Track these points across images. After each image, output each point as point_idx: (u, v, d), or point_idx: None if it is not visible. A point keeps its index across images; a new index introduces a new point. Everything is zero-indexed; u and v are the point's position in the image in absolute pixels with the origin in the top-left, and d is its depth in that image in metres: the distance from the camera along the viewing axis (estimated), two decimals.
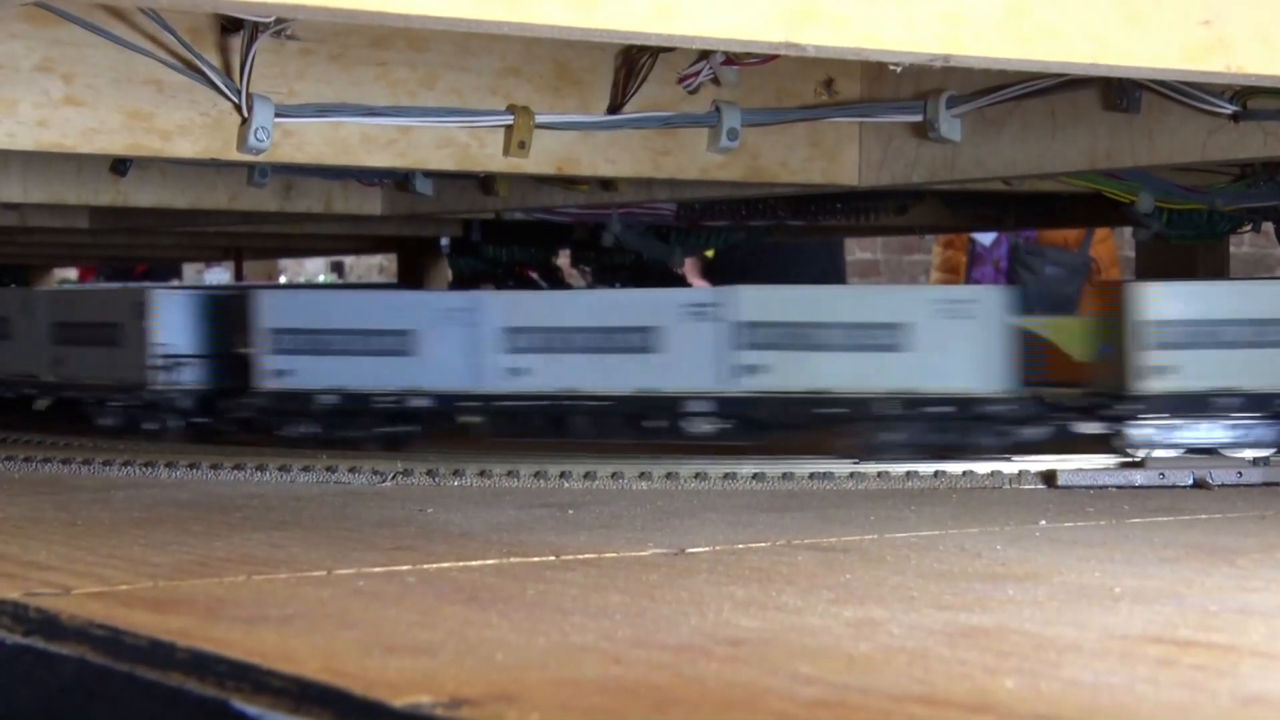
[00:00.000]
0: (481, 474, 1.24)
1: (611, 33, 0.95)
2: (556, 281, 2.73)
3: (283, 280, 6.42)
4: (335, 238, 3.57)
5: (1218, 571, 0.87)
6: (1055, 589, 0.81)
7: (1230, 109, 1.40)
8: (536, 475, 1.23)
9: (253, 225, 2.71)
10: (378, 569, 0.85)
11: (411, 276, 3.33)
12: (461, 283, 3.00)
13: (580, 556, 0.90)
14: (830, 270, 4.91)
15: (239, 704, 0.60)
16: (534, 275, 2.75)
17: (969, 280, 6.19)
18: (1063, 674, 0.62)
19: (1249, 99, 1.40)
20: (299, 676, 0.60)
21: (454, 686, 0.59)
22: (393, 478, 1.24)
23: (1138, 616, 0.74)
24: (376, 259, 6.16)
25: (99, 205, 2.13)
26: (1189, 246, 1.98)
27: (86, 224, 2.49)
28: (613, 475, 1.22)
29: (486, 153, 1.58)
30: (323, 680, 0.59)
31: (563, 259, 2.85)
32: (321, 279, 6.25)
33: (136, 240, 3.30)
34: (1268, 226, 2.03)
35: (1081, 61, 0.92)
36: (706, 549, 0.92)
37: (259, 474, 1.28)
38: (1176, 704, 0.57)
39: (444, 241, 3.02)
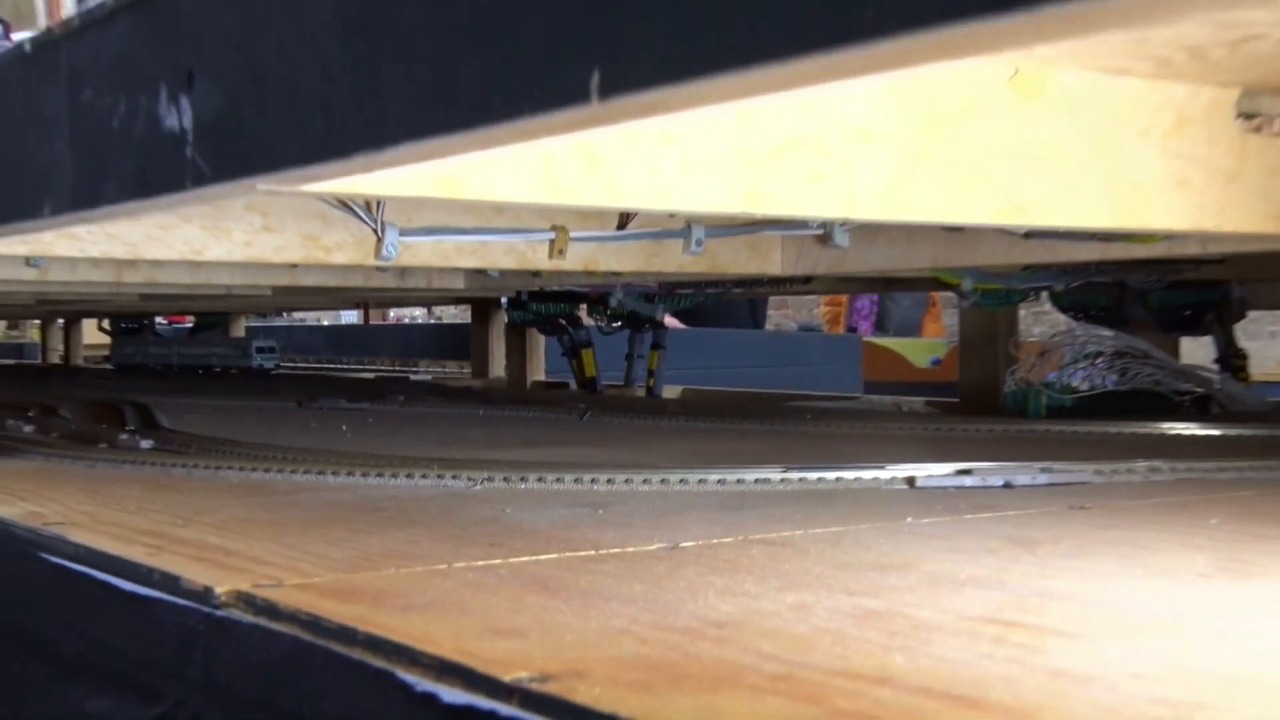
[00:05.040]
0: (539, 480, 1.14)
1: (631, 208, 0.95)
2: (578, 326, 2.72)
3: (391, 316, 6.33)
4: (431, 297, 3.57)
5: (1026, 560, 0.80)
6: (922, 577, 0.74)
7: (1024, 232, 1.40)
8: (576, 481, 1.14)
9: (376, 292, 2.72)
10: (480, 562, 0.79)
11: (481, 320, 3.31)
12: (513, 328, 3.00)
13: (610, 551, 0.83)
14: (756, 311, 4.90)
15: (401, 674, 0.59)
16: (563, 322, 2.73)
17: (851, 309, 6.14)
18: (933, 651, 0.57)
19: None
20: (439, 655, 0.58)
21: (541, 663, 0.56)
22: (482, 482, 1.15)
23: (977, 600, 0.68)
24: (457, 309, 6.14)
25: (278, 285, 2.13)
26: (993, 311, 1.98)
27: (270, 294, 2.48)
28: (625, 481, 1.13)
29: (537, 257, 1.59)
30: (455, 659, 0.57)
31: (581, 311, 2.82)
32: (418, 316, 6.20)
33: (300, 299, 3.30)
34: (1044, 295, 2.03)
35: (931, 220, 0.92)
36: (692, 544, 0.84)
37: (393, 479, 1.17)
38: (1007, 676, 0.54)
39: (503, 300, 3.02)
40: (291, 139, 0.64)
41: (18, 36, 1.84)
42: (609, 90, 0.46)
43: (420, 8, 0.55)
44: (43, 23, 1.63)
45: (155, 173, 0.74)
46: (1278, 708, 0.52)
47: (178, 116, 0.72)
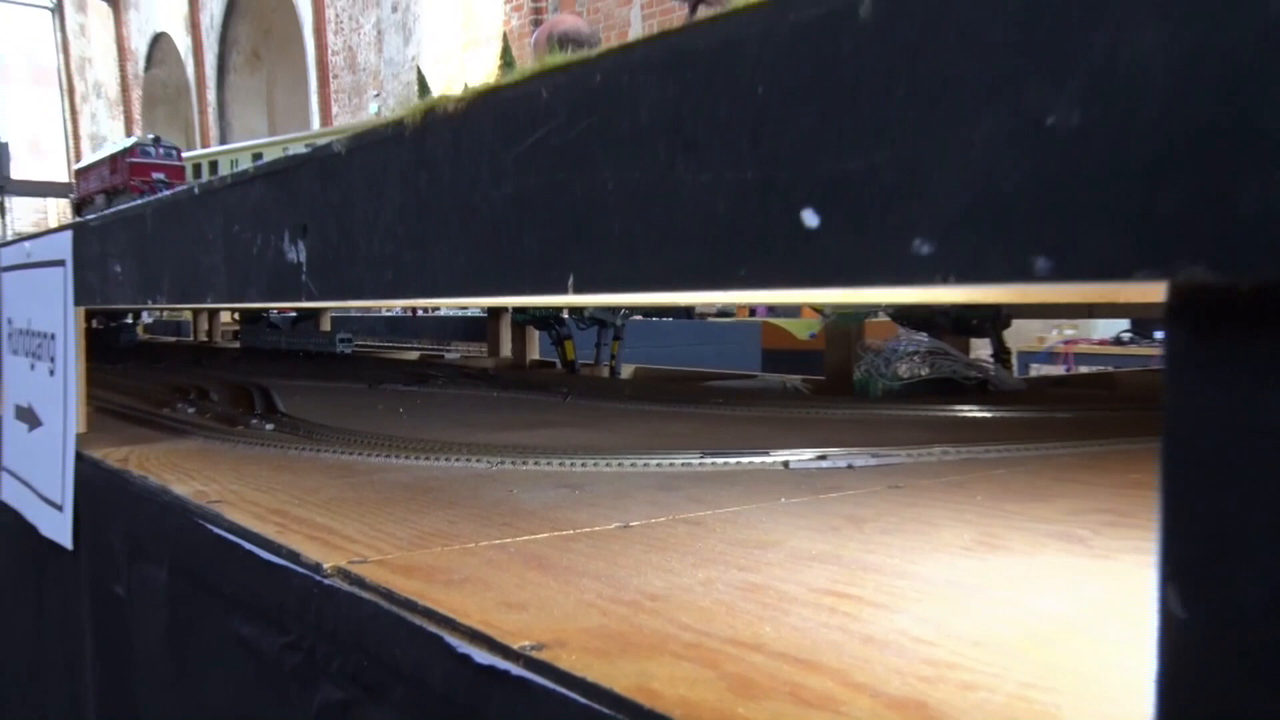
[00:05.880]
0: (536, 463, 1.09)
1: (597, 303, 0.97)
2: (562, 324, 2.73)
3: (441, 308, 6.19)
4: (459, 303, 3.53)
5: (857, 537, 0.76)
6: (786, 554, 0.71)
7: None
8: (560, 464, 1.08)
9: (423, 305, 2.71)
10: (496, 541, 0.75)
11: (494, 317, 3.29)
12: (516, 323, 3.01)
13: (582, 530, 0.79)
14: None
15: (448, 637, 0.58)
16: (551, 321, 2.74)
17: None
18: (790, 620, 0.55)
19: None
20: (470, 625, 0.57)
21: (538, 634, 0.55)
22: (497, 465, 1.09)
23: (821, 574, 0.65)
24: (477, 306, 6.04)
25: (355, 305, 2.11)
26: (847, 325, 2.01)
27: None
28: (594, 464, 1.08)
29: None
30: (481, 630, 0.56)
31: (564, 314, 2.81)
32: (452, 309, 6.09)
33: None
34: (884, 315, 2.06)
35: (793, 301, 0.95)
36: (637, 523, 0.80)
37: (436, 461, 1.12)
38: (834, 643, 0.53)
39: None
40: (372, 281, 0.67)
41: (187, 154, 1.86)
42: (579, 288, 0.49)
43: (455, 216, 0.58)
44: (198, 146, 1.64)
45: (281, 288, 0.77)
46: (1007, 666, 0.53)
47: (296, 253, 0.75)
